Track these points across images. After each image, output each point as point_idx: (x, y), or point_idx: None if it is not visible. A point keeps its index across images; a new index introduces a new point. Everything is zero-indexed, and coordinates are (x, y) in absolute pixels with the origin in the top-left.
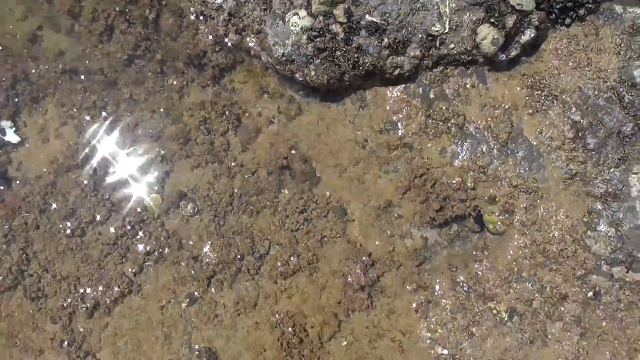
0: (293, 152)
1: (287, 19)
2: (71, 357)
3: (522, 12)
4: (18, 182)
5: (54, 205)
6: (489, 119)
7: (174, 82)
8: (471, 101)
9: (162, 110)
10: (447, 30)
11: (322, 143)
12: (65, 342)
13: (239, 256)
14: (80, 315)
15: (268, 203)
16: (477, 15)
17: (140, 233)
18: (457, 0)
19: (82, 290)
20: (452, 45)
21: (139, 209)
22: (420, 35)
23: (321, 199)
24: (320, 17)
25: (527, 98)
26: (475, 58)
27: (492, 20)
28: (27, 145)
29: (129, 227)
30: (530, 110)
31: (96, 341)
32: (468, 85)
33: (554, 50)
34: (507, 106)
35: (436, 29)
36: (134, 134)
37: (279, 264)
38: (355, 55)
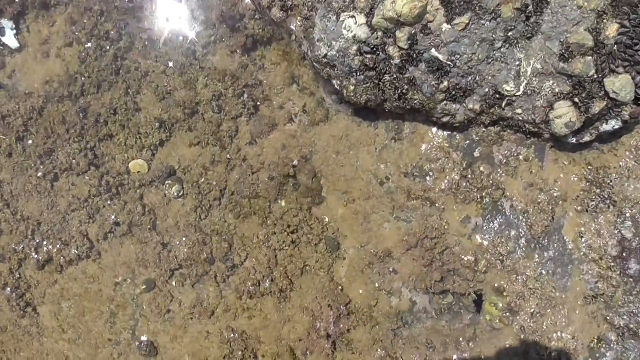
0: (303, 161)
1: (341, 18)
2: (10, 303)
3: (615, 101)
4: (6, 92)
5: (33, 138)
6: (530, 202)
7: (201, 32)
8: (518, 175)
9: (177, 64)
10: (519, 93)
11: (339, 163)
12: (8, 287)
13: (209, 257)
14: (31, 263)
15: (259, 211)
16: (561, 87)
17: (115, 198)
18: (544, 63)
19: (38, 240)
20: (519, 110)
21: (120, 171)
22: (486, 89)
23: (317, 225)
24: (379, 33)
25: (582, 192)
26: (541, 132)
27: (575, 99)
28: (25, 55)
29: (105, 188)
30: (580, 207)
31: (40, 295)
32: (521, 157)
33: (634, 147)
34: (555, 194)
35: (508, 88)
36: (139, 82)
37: (249, 282)
38: (405, 87)
